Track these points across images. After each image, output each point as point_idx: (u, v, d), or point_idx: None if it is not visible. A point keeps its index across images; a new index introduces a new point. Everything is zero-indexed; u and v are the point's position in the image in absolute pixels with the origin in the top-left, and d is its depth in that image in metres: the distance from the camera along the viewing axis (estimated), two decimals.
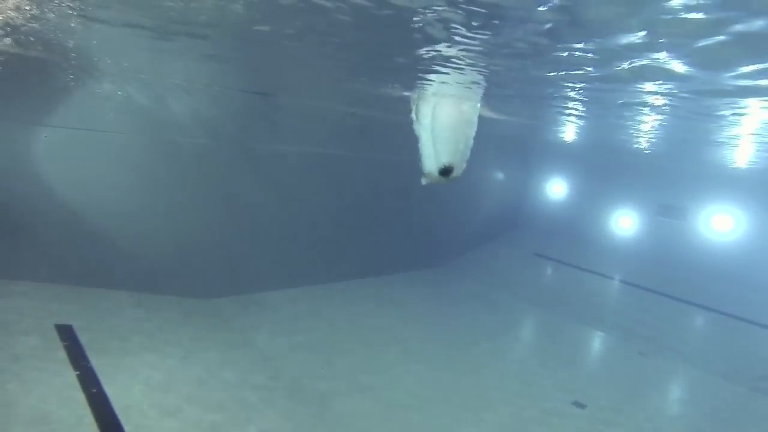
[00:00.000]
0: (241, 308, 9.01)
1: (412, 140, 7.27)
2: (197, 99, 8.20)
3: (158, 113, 7.93)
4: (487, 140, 8.80)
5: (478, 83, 4.70)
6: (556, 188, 15.46)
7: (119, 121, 7.61)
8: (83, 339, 6.42)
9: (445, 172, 6.01)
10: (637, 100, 4.54)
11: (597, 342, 10.32)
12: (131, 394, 5.59)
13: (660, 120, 5.63)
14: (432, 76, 4.46)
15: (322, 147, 10.11)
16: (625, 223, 13.78)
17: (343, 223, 10.79)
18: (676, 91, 3.78)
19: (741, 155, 8.01)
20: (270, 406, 6.14)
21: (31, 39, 4.93)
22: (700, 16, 2.03)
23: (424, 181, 5.73)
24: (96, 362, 5.96)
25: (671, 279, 11.84)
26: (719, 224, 11.94)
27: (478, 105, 5.61)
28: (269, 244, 9.85)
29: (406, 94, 6.04)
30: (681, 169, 12.20)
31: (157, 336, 7.14)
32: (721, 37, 2.26)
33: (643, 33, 2.40)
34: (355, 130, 10.24)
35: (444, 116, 5.12)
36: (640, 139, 7.95)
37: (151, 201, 8.23)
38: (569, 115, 6.43)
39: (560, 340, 9.97)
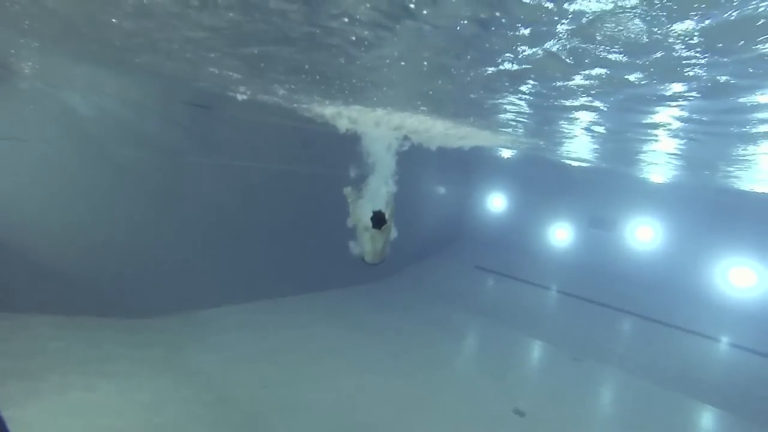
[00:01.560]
0: (181, 327, 8.59)
1: (353, 155, 7.32)
2: (133, 110, 7.81)
3: (90, 123, 7.47)
4: (429, 157, 9.04)
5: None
6: (497, 202, 16.08)
7: (42, 129, 7.08)
8: None
9: (377, 219, 6.28)
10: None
11: (535, 350, 10.72)
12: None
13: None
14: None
15: (263, 161, 9.92)
16: (560, 234, 14.54)
17: (285, 238, 10.61)
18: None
19: (657, 173, 8.74)
20: (213, 429, 5.87)
21: None
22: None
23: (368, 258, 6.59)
24: (3, 398, 5.20)
25: (601, 287, 12.59)
26: (642, 235, 12.90)
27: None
28: (209, 260, 9.49)
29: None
30: (610, 183, 13.09)
31: (88, 363, 6.58)
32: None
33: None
34: (297, 144, 10.14)
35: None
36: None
37: (81, 216, 7.69)
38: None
39: (500, 349, 10.26)
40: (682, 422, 8.26)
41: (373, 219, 6.38)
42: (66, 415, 5.34)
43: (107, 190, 7.95)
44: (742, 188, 8.40)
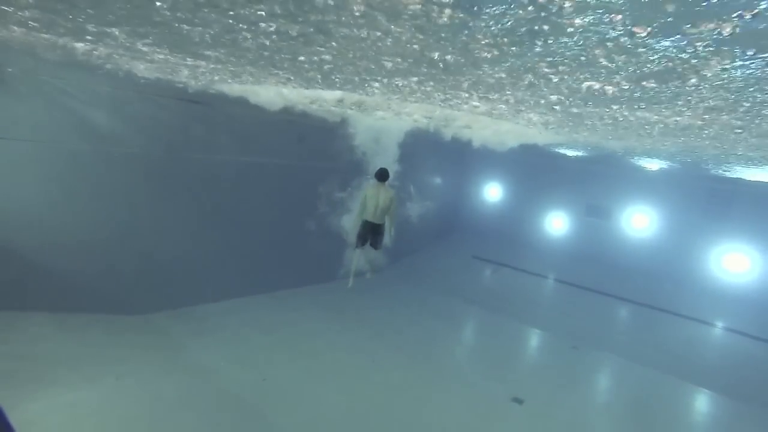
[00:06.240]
0: (176, 323, 8.59)
1: (348, 149, 7.29)
2: (125, 105, 7.75)
3: (79, 119, 7.41)
4: (424, 147, 9.05)
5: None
6: (493, 192, 16.11)
7: (34, 128, 7.02)
8: None
9: (381, 174, 6.27)
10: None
11: (534, 339, 10.80)
12: None
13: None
14: None
15: (258, 155, 9.88)
16: (557, 223, 14.60)
17: (280, 231, 10.60)
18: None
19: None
20: (212, 425, 5.91)
21: None
22: None
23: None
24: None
25: (598, 275, 12.68)
26: (638, 222, 12.99)
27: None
28: (205, 255, 9.48)
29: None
30: (605, 172, 13.13)
31: (83, 360, 6.59)
32: None
33: None
34: (293, 138, 10.10)
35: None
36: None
37: (74, 212, 7.65)
38: None
39: (498, 338, 10.33)
40: (679, 406, 8.37)
41: (377, 174, 6.46)
42: (63, 413, 5.37)
43: (100, 185, 7.91)
44: (735, 176, 8.45)
